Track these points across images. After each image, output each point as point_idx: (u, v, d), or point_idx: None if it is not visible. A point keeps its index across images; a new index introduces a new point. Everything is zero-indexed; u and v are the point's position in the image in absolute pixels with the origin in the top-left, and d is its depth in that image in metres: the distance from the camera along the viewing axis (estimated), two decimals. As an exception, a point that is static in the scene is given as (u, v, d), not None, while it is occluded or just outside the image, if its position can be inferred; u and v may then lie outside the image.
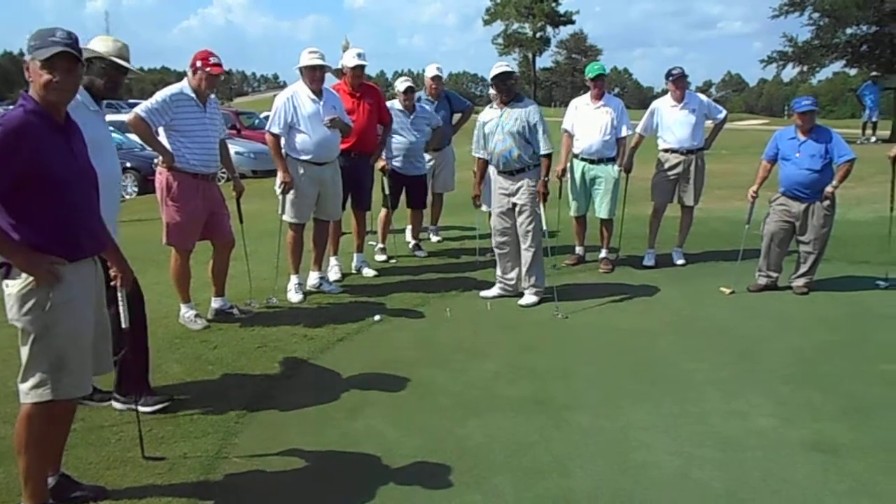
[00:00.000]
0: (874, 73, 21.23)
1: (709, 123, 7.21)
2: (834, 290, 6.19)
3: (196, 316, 5.20)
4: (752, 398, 4.08)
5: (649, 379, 4.38)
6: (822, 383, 4.29)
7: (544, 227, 5.79)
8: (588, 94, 6.90)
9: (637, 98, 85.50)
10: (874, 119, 19.44)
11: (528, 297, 5.88)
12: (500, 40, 69.75)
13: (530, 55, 70.51)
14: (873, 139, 18.65)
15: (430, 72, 7.71)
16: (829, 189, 5.88)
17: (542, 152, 5.68)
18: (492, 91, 5.98)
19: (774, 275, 6.23)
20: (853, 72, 30.39)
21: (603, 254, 7.07)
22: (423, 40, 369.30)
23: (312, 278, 6.15)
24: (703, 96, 7.28)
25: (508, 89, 5.72)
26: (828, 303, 5.91)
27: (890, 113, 21.39)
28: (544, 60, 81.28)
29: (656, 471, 3.31)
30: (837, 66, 27.38)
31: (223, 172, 5.66)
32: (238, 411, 3.86)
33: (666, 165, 7.00)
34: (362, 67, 6.28)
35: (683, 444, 3.56)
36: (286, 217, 5.83)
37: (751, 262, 6.37)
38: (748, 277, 6.29)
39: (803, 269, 6.14)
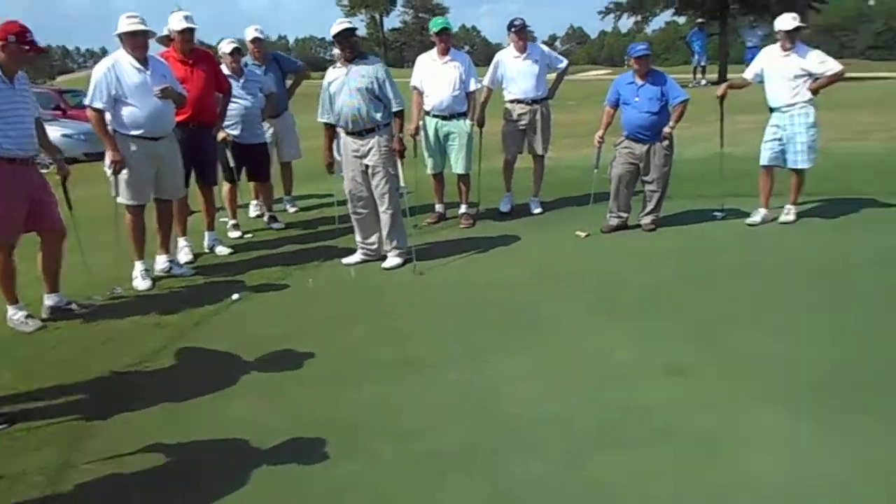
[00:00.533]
0: (700, 20, 22.87)
1: (552, 75, 7.37)
2: (678, 225, 6.61)
3: (27, 317, 4.70)
4: (611, 334, 4.28)
5: (515, 328, 4.46)
6: (673, 312, 4.58)
7: (402, 185, 5.69)
8: (434, 50, 6.82)
9: (485, 55, 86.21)
10: (703, 63, 20.96)
11: (392, 260, 5.81)
12: (345, 2, 68.17)
13: (377, 16, 69.59)
14: (703, 82, 20.12)
15: (250, 34, 7.18)
16: (666, 130, 6.22)
17: (394, 109, 5.57)
18: (336, 50, 5.78)
19: (624, 215, 6.55)
20: (682, 20, 32.53)
21: (463, 209, 7.12)
22: (266, 5, 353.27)
23: (160, 262, 5.72)
24: (544, 47, 7.41)
25: (352, 46, 5.53)
26: (674, 237, 6.32)
27: (716, 57, 23.07)
28: (392, 21, 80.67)
29: (526, 418, 3.37)
30: (668, 15, 29.16)
31: (50, 162, 5.11)
32: (86, 414, 3.53)
33: (514, 116, 7.09)
34: (191, 31, 5.81)
35: (550, 387, 3.66)
36: (122, 199, 5.35)
37: (602, 205, 6.65)
38: (601, 220, 6.57)
39: (650, 207, 6.50)
